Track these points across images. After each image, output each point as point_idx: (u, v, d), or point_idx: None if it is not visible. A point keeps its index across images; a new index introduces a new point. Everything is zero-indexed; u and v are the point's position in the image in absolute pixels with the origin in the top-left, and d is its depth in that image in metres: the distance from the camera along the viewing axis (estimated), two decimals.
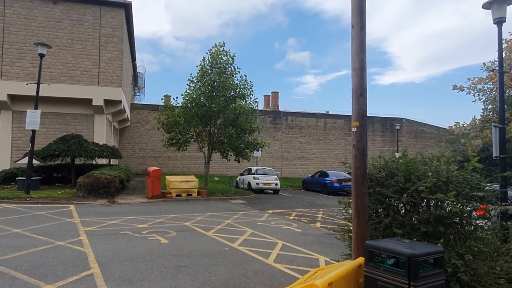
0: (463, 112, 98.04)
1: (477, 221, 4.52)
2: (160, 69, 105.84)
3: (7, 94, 18.87)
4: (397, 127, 35.88)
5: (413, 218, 4.73)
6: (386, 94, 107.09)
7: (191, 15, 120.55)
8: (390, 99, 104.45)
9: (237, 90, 17.85)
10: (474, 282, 4.24)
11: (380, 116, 39.61)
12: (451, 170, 4.52)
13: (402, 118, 40.12)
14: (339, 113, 38.25)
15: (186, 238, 8.36)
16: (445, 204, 4.44)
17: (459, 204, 4.43)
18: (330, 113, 38.85)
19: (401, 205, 4.90)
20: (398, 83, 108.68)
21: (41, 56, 14.53)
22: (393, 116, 40.11)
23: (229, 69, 17.92)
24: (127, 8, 21.27)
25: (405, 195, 4.64)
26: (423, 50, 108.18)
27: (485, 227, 4.56)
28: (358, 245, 4.42)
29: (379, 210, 5.01)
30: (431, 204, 4.73)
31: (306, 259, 7.00)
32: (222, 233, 8.99)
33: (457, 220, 4.47)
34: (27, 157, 14.73)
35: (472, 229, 4.50)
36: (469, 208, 4.56)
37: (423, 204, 4.78)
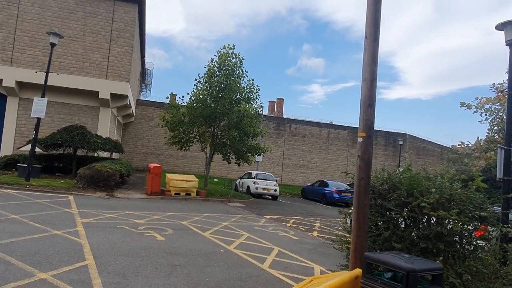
0: (467, 132, 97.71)
1: (477, 241, 4.49)
2: (172, 66, 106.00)
3: (16, 81, 18.98)
4: (400, 143, 35.82)
5: (413, 233, 4.70)
6: (392, 109, 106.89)
7: (207, 13, 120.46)
8: (396, 114, 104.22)
9: (243, 94, 17.89)
10: None
11: (384, 130, 39.53)
12: (455, 187, 4.49)
13: (406, 134, 40.04)
14: (343, 124, 38.24)
15: (182, 237, 8.33)
16: (446, 221, 4.41)
17: (461, 223, 4.41)
18: (334, 123, 38.83)
19: (401, 219, 4.88)
20: (404, 99, 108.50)
21: (52, 45, 14.62)
22: (396, 131, 40.05)
23: (237, 72, 17.97)
24: (141, 4, 21.42)
25: (406, 209, 4.61)
26: (431, 67, 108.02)
27: (485, 248, 4.52)
28: (356, 256, 4.38)
29: (379, 223, 4.99)
30: (432, 221, 4.70)
31: (301, 267, 6.96)
32: (218, 235, 8.96)
33: (457, 239, 4.44)
34: (29, 145, 14.78)
35: (472, 249, 4.47)
36: (471, 228, 4.54)
37: (424, 220, 4.76)
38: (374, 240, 4.92)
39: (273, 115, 39.35)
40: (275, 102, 42.19)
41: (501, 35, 7.51)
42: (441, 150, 40.62)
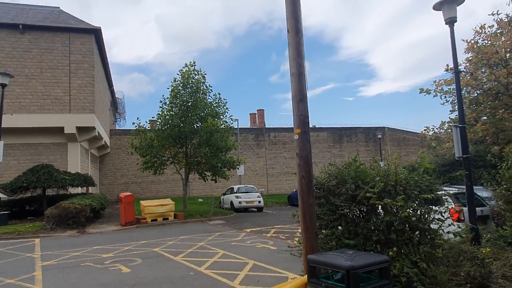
0: (447, 117, 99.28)
1: (430, 226, 4.27)
2: (155, 89, 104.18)
3: None
4: (379, 136, 35.98)
5: (367, 227, 4.46)
6: (372, 105, 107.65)
7: (185, 31, 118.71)
8: (377, 110, 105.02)
9: (211, 109, 17.68)
10: None
11: (363, 126, 39.83)
12: (399, 173, 4.29)
13: (384, 127, 40.38)
14: (321, 126, 38.32)
15: (151, 265, 7.91)
16: (394, 209, 4.19)
17: (411, 209, 4.19)
18: (315, 126, 38.88)
19: (355, 213, 4.64)
20: (384, 94, 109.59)
21: (3, 86, 14.12)
22: (375, 126, 40.36)
23: (202, 88, 17.79)
24: (97, 34, 21.10)
25: (354, 203, 4.38)
26: (406, 59, 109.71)
27: (439, 232, 4.30)
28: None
29: (332, 221, 4.74)
30: (389, 210, 4.48)
31: (275, 277, 6.64)
32: (191, 257, 8.57)
33: (407, 226, 4.22)
34: None
35: (426, 234, 4.24)
36: (423, 212, 4.33)
37: (378, 211, 4.53)
38: (330, 240, 4.67)
39: (254, 127, 39.13)
40: (255, 114, 41.99)
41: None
42: (421, 138, 41.08)
